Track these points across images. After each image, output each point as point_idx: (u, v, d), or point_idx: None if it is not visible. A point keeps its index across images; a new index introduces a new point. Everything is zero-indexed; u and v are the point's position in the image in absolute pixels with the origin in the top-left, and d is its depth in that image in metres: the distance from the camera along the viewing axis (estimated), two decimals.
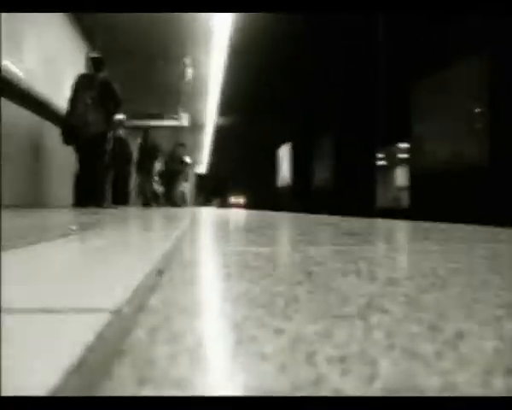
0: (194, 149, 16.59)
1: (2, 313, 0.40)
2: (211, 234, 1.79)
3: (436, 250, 1.05)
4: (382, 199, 8.74)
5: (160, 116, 10.59)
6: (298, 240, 1.43)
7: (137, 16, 5.88)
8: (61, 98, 4.80)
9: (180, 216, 3.69)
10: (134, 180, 9.61)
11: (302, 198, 12.06)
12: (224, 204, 25.24)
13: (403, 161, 7.76)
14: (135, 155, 9.20)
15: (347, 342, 0.36)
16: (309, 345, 0.35)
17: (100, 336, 0.34)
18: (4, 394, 0.25)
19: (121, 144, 7.54)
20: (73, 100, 4.71)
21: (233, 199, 25.11)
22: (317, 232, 1.82)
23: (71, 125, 4.60)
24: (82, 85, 4.75)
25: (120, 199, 7.40)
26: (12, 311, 0.42)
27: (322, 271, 0.71)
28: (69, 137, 4.66)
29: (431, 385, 0.28)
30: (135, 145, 9.53)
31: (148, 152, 9.25)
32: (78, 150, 4.80)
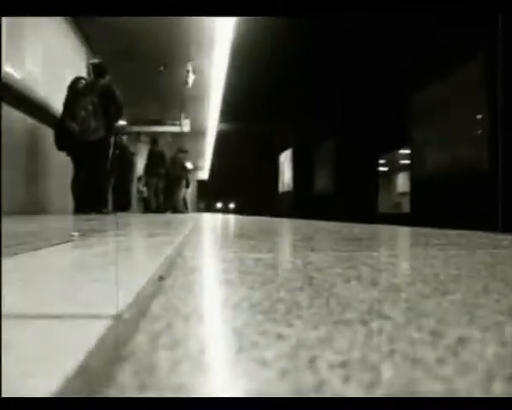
0: (196, 156, 16.60)
1: (3, 319, 0.40)
2: (212, 240, 1.79)
3: (437, 256, 1.05)
4: (384, 205, 8.73)
5: (161, 122, 10.60)
6: (299, 246, 1.43)
7: (140, 22, 5.90)
8: (60, 103, 4.80)
9: (181, 222, 3.69)
10: (138, 186, 9.64)
11: (304, 204, 12.05)
12: (213, 209, 25.30)
13: (404, 167, 7.77)
14: (141, 163, 9.29)
15: (349, 348, 0.36)
16: (310, 351, 0.35)
17: (101, 342, 0.34)
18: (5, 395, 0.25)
19: (122, 150, 7.56)
20: (71, 104, 4.68)
21: (222, 204, 25.14)
22: (318, 238, 1.82)
23: (66, 130, 4.57)
24: (81, 90, 4.73)
25: (121, 205, 7.40)
26: (13, 316, 0.42)
27: (323, 277, 0.71)
28: (63, 141, 4.64)
29: (433, 391, 0.28)
30: (135, 151, 9.56)
31: (157, 158, 9.34)
32: (73, 155, 4.79)
